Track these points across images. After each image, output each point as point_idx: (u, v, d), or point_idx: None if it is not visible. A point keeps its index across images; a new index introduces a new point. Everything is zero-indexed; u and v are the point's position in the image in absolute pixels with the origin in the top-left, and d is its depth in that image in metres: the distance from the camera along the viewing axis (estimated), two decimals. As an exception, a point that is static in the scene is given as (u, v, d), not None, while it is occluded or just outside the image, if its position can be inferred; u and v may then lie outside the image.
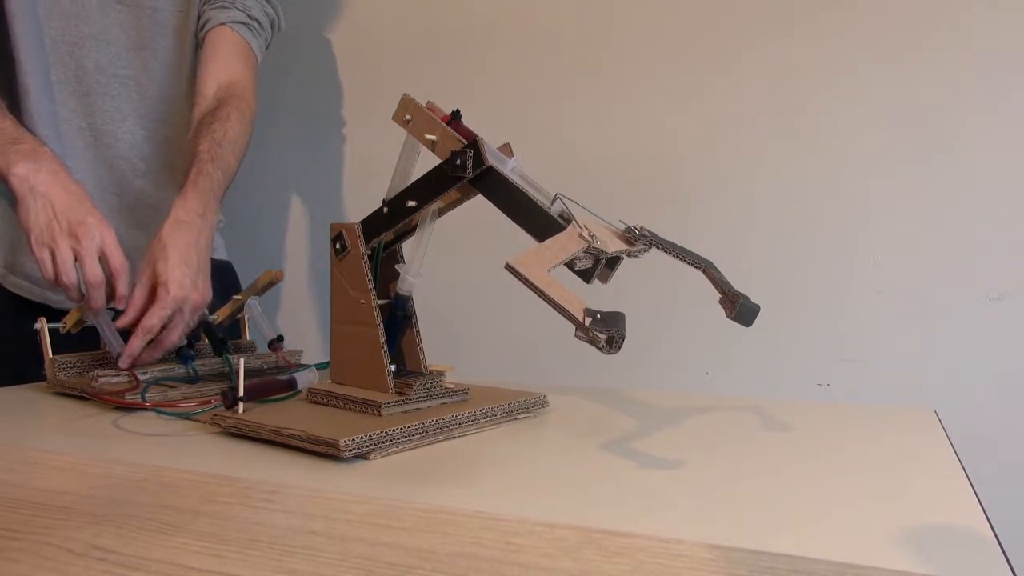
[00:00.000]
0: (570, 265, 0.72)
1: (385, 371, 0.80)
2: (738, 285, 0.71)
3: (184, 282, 0.94)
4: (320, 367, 0.98)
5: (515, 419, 0.82)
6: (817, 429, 0.78)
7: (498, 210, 0.74)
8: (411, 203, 0.79)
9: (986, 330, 1.15)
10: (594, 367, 1.38)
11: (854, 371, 1.21)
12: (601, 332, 0.58)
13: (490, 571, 0.41)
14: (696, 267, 0.73)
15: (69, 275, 0.94)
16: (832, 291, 1.23)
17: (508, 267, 0.61)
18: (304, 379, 0.87)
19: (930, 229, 1.17)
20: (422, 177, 0.79)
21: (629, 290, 1.28)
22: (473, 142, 0.74)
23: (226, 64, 1.21)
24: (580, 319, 0.58)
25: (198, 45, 1.26)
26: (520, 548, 0.44)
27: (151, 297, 0.95)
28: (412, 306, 0.84)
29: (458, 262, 1.47)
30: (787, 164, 1.24)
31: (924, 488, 0.58)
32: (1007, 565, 0.42)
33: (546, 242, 0.66)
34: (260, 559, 0.43)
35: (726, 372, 1.28)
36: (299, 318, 1.67)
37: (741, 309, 0.68)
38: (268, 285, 1.05)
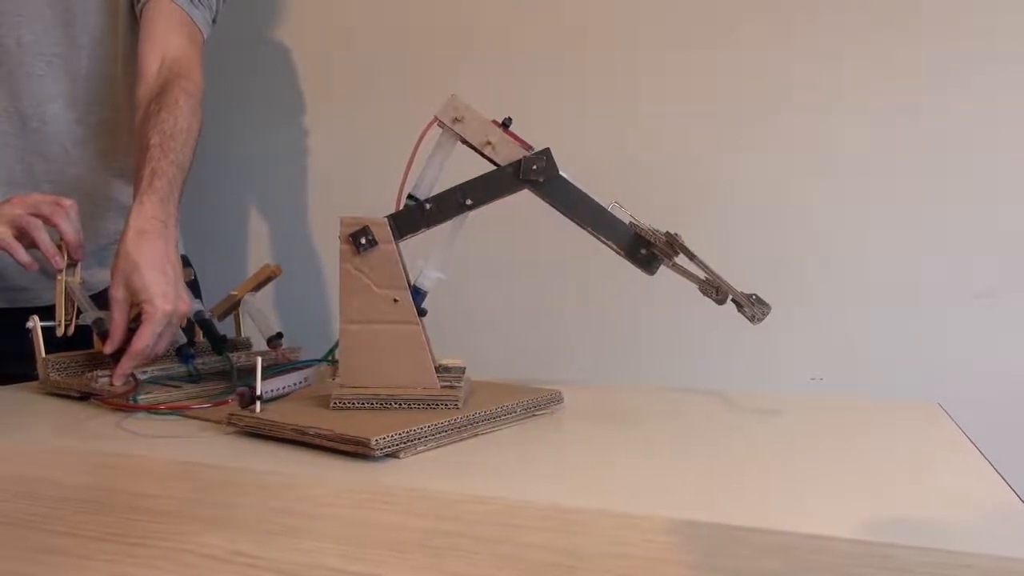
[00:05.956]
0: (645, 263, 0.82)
1: (432, 367, 0.80)
2: (733, 280, 0.80)
3: (168, 294, 0.90)
4: (314, 363, 0.97)
5: (533, 416, 0.83)
6: (834, 421, 0.83)
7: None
8: (468, 201, 0.82)
9: (974, 326, 1.20)
10: (577, 363, 1.40)
11: (846, 365, 1.25)
12: (759, 309, 0.79)
13: (647, 570, 0.42)
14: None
15: (29, 222, 0.95)
16: (826, 287, 1.26)
17: (696, 260, 0.79)
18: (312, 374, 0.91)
19: (920, 227, 1.21)
20: (481, 177, 0.82)
21: (623, 284, 1.31)
22: (547, 150, 0.81)
23: (167, 39, 1.12)
24: (749, 299, 0.79)
25: (136, 21, 1.18)
26: (667, 547, 0.45)
27: (129, 313, 0.92)
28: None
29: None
30: (782, 161, 1.27)
31: (954, 472, 0.63)
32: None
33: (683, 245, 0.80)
34: (417, 561, 0.43)
35: (719, 365, 1.32)
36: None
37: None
38: (265, 280, 1.03)
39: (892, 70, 1.21)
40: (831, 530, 0.48)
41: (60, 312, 0.96)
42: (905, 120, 1.21)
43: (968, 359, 1.20)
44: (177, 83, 1.07)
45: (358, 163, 1.53)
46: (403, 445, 0.69)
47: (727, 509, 0.53)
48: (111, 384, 0.89)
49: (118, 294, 0.90)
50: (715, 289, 0.81)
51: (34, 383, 0.97)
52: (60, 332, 0.95)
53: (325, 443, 0.69)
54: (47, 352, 0.96)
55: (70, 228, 0.97)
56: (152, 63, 1.11)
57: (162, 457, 0.68)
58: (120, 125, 1.20)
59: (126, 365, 0.88)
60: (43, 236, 0.96)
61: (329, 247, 1.56)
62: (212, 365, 0.97)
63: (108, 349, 0.90)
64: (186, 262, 1.32)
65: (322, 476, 0.61)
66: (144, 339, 0.88)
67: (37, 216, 0.96)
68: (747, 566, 0.42)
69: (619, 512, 0.51)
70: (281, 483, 0.59)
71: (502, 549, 0.44)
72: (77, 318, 0.96)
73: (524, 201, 0.83)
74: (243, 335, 1.09)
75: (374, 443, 0.66)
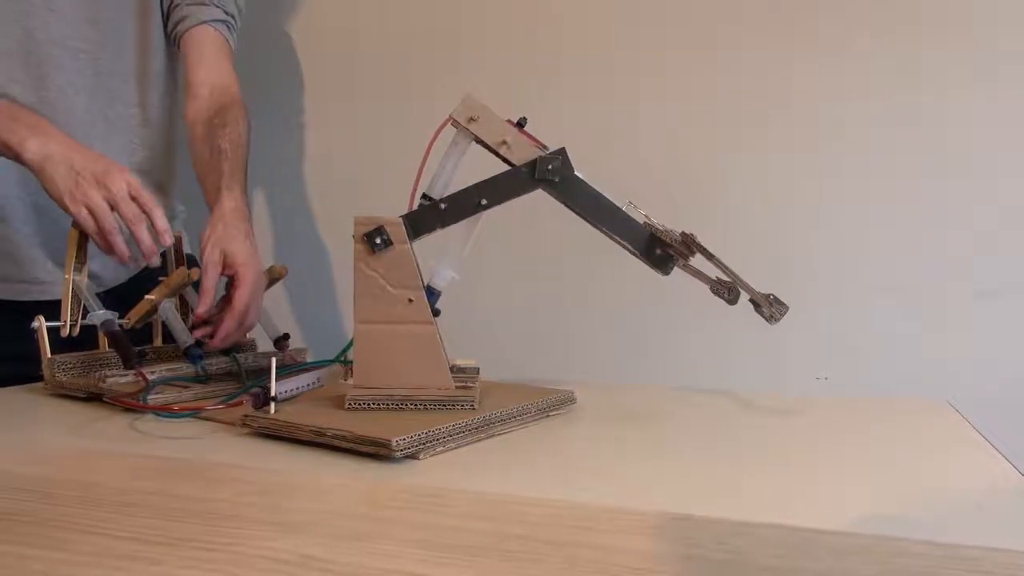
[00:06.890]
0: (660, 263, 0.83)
1: (447, 368, 0.80)
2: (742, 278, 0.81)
3: (257, 262, 1.00)
4: (326, 363, 0.97)
5: (547, 416, 0.83)
6: (848, 420, 0.84)
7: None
8: (483, 201, 0.82)
9: (975, 326, 1.21)
10: (585, 363, 1.40)
11: (850, 364, 1.26)
12: (777, 309, 0.80)
13: (723, 572, 0.42)
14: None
15: (108, 220, 0.95)
16: (829, 286, 1.27)
17: (714, 260, 0.80)
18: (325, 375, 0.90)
19: (921, 227, 1.23)
20: (496, 177, 0.82)
21: (631, 284, 1.31)
22: (562, 150, 0.81)
23: (216, 67, 1.21)
24: (767, 299, 0.80)
25: (168, 36, 1.24)
26: (741, 549, 0.45)
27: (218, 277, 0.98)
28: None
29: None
30: (783, 161, 1.28)
31: (975, 470, 0.64)
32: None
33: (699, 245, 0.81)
34: (491, 565, 0.43)
35: (722, 365, 1.32)
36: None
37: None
38: (272, 282, 1.02)
39: (892, 70, 1.22)
40: (887, 529, 0.48)
41: (66, 312, 0.94)
42: (905, 120, 1.22)
43: (969, 359, 1.22)
44: (236, 105, 1.18)
45: (362, 163, 1.52)
46: (422, 446, 0.68)
47: (791, 511, 0.53)
48: (213, 345, 0.97)
49: (214, 256, 0.97)
50: (727, 289, 0.82)
51: (38, 384, 0.96)
52: (65, 333, 0.93)
53: (343, 444, 0.68)
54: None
55: (146, 238, 0.97)
56: (204, 87, 1.19)
57: (200, 459, 0.67)
58: (140, 121, 1.23)
59: (230, 324, 0.95)
60: (144, 235, 0.97)
61: (335, 247, 1.55)
62: (220, 366, 0.96)
63: (201, 310, 0.95)
64: (193, 262, 1.32)
65: (379, 479, 0.61)
66: (243, 298, 0.96)
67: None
68: (825, 568, 0.42)
69: (686, 514, 0.51)
70: (335, 486, 0.59)
71: (574, 552, 0.45)
72: (83, 318, 0.95)
73: (535, 201, 0.83)
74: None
75: (395, 444, 0.65)
